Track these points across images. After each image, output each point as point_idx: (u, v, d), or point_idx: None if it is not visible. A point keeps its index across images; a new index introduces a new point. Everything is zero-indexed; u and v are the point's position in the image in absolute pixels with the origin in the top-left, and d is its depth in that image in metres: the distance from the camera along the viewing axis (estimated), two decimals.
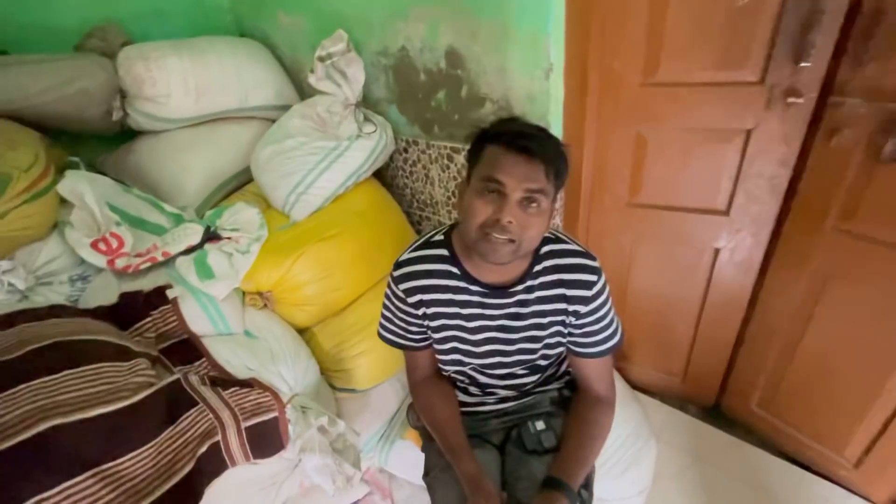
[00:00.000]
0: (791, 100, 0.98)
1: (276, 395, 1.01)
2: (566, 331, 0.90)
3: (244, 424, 0.96)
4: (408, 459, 1.29)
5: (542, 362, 0.96)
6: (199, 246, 1.21)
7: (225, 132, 1.59)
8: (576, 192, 1.32)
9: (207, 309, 1.12)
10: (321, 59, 1.40)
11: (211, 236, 1.22)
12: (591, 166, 1.29)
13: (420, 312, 0.91)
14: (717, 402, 1.55)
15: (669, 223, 1.29)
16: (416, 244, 0.93)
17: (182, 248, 1.19)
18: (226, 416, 0.95)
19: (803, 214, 1.09)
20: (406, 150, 1.58)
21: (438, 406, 0.98)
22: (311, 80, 1.44)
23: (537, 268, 0.86)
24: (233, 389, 1.01)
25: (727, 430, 1.48)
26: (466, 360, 0.95)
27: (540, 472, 0.90)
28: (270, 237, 1.25)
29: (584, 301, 0.85)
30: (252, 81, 1.59)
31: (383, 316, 0.99)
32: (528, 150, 0.72)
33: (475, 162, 0.78)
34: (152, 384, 0.89)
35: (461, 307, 0.89)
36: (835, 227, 1.04)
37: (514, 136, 0.73)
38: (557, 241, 0.88)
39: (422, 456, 1.06)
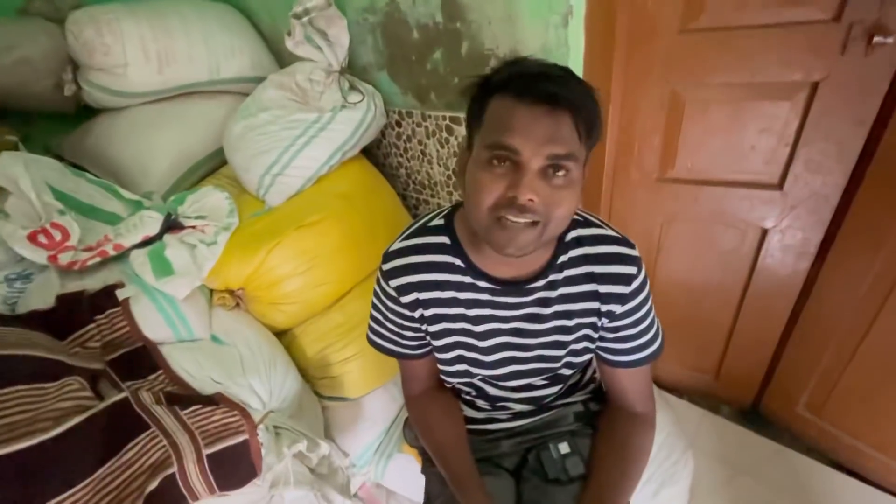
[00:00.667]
0: (877, 39, 0.77)
1: (245, 414, 0.85)
2: (597, 335, 0.73)
3: (206, 451, 0.80)
4: (407, 475, 1.14)
5: (566, 371, 0.79)
6: (158, 237, 1.03)
7: (195, 108, 1.41)
8: (598, 166, 1.12)
9: (165, 311, 0.95)
10: (297, 17, 1.20)
11: (171, 226, 1.05)
12: (617, 134, 1.09)
13: (416, 314, 0.73)
14: (755, 403, 1.37)
15: (708, 200, 1.09)
16: (410, 230, 0.74)
17: (137, 239, 1.01)
18: (184, 441, 0.79)
19: (881, 186, 0.89)
20: (399, 124, 1.39)
21: (440, 426, 0.81)
22: (289, 44, 1.25)
23: (562, 258, 0.68)
24: (194, 408, 0.84)
25: (768, 436, 1.31)
26: (474, 370, 0.78)
27: None
28: (242, 226, 1.07)
29: (622, 299, 0.68)
30: (224, 50, 1.39)
31: (372, 318, 0.81)
32: (548, 98, 0.53)
33: (477, 122, 0.59)
34: (86, 408, 0.73)
35: (467, 307, 0.71)
36: None
37: (528, 81, 0.54)
38: (587, 224, 0.70)
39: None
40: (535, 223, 0.56)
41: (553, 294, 0.69)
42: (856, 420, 1.13)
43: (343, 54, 1.28)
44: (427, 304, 0.72)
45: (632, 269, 0.67)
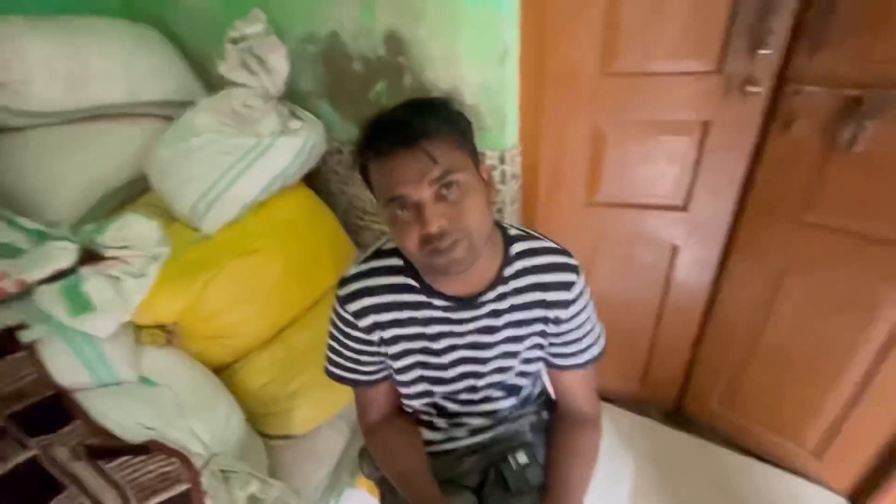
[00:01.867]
0: (749, 88, 0.96)
1: (185, 460, 0.77)
2: (546, 341, 0.78)
3: None
4: None
5: (521, 381, 0.83)
6: (72, 271, 0.92)
7: (112, 131, 1.30)
8: (533, 193, 1.22)
9: (83, 353, 0.85)
10: (234, 42, 1.18)
11: (90, 257, 0.94)
12: (549, 164, 1.20)
13: (375, 338, 0.74)
14: (678, 403, 1.52)
15: (628, 222, 1.23)
16: (366, 256, 0.76)
17: (46, 273, 0.90)
18: (110, 498, 0.70)
19: (761, 207, 1.08)
20: (340, 152, 1.39)
21: (401, 452, 0.81)
22: (223, 68, 1.22)
23: (508, 271, 0.73)
24: (122, 460, 0.75)
25: (690, 432, 1.45)
26: (435, 388, 0.79)
27: None
28: (175, 256, 0.99)
29: (565, 305, 0.73)
30: (145, 72, 1.32)
31: (330, 348, 0.80)
32: (401, 143, 0.57)
33: (370, 188, 0.64)
34: None
35: (424, 325, 0.73)
36: (793, 219, 1.03)
37: (379, 140, 0.59)
38: (529, 238, 0.76)
39: None
40: (457, 240, 0.60)
41: (503, 305, 0.73)
42: (758, 410, 1.30)
43: (281, 81, 1.27)
44: (385, 325, 0.73)
45: (572, 277, 0.73)
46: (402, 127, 0.58)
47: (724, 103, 1.00)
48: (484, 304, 0.72)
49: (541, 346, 0.78)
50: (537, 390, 0.93)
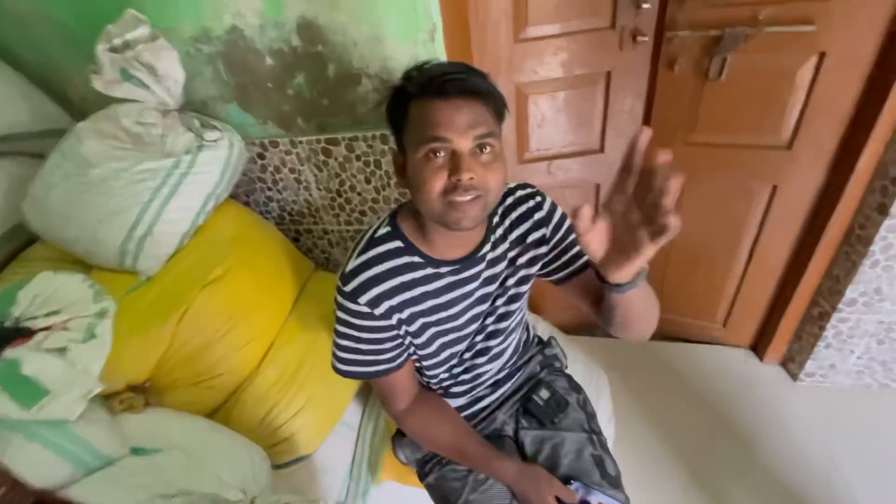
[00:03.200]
0: (638, 39, 1.13)
1: None
2: (544, 266, 0.83)
3: None
4: (396, 501, 1.10)
5: (518, 319, 0.89)
6: None
7: None
8: None
9: (55, 445, 0.70)
10: (114, 51, 1.01)
11: (13, 335, 0.77)
12: None
13: (394, 321, 0.75)
14: None
15: (557, 172, 1.38)
16: (360, 247, 0.75)
17: None
18: None
19: (659, 136, 1.27)
20: (262, 156, 1.29)
21: (446, 425, 0.85)
22: (98, 84, 1.04)
23: (494, 221, 0.79)
24: None
25: None
26: (456, 348, 0.83)
27: (573, 440, 0.88)
28: (122, 306, 0.86)
29: (544, 223, 0.79)
30: None
31: (339, 346, 0.78)
32: (461, 92, 0.61)
33: (402, 127, 0.66)
34: None
35: (437, 296, 0.76)
36: (683, 141, 1.27)
37: (441, 82, 0.62)
38: None
39: (410, 492, 0.90)
40: (478, 197, 0.64)
41: (498, 252, 0.79)
42: (681, 303, 1.59)
43: (179, 90, 1.13)
44: (400, 307, 0.74)
45: (537, 199, 0.79)
46: (465, 79, 0.61)
47: (620, 54, 1.17)
48: (483, 256, 0.77)
49: (527, 280, 0.83)
50: (532, 332, 1.03)
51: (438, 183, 0.62)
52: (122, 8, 1.04)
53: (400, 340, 0.78)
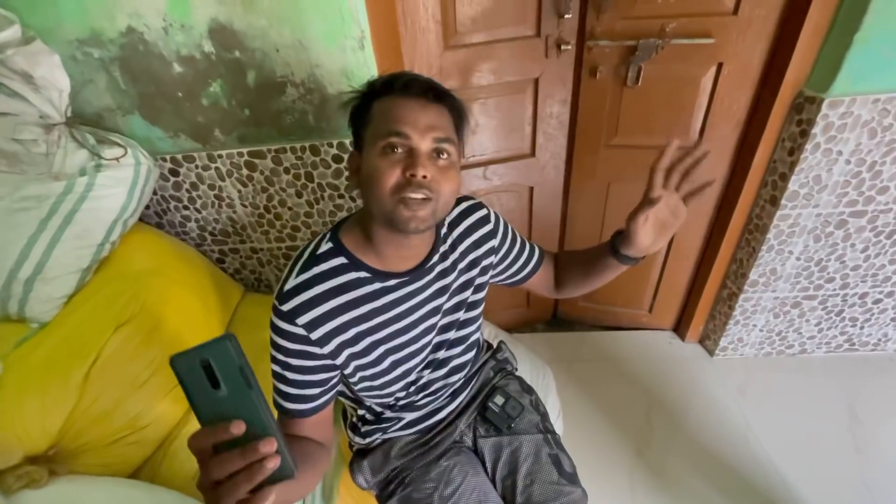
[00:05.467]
0: (563, 47, 1.17)
1: None
2: (495, 276, 0.88)
3: None
4: None
5: (471, 329, 0.88)
6: None
7: None
8: None
9: None
10: None
11: None
12: None
13: (332, 347, 0.69)
14: (554, 311, 1.85)
15: (493, 175, 1.39)
16: (299, 265, 0.69)
17: None
18: None
19: (584, 139, 1.36)
20: (175, 173, 1.16)
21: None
22: None
23: (443, 232, 0.79)
24: None
25: (571, 330, 1.80)
26: (410, 364, 0.80)
27: (530, 445, 0.89)
28: (11, 363, 0.72)
29: (492, 235, 0.82)
30: None
31: (281, 378, 0.70)
32: (426, 92, 0.63)
33: (364, 123, 0.65)
34: None
35: (385, 311, 0.73)
36: (606, 144, 1.35)
37: (408, 81, 0.63)
38: None
39: None
40: (428, 199, 0.63)
41: (447, 263, 0.78)
42: (611, 294, 1.69)
43: (64, 100, 0.98)
44: (344, 328, 0.70)
45: (483, 211, 0.82)
46: (432, 85, 0.64)
47: (546, 62, 1.21)
48: (432, 267, 0.76)
49: (483, 287, 0.85)
50: (482, 337, 1.04)
51: (393, 177, 0.61)
52: None
53: (333, 374, 0.73)
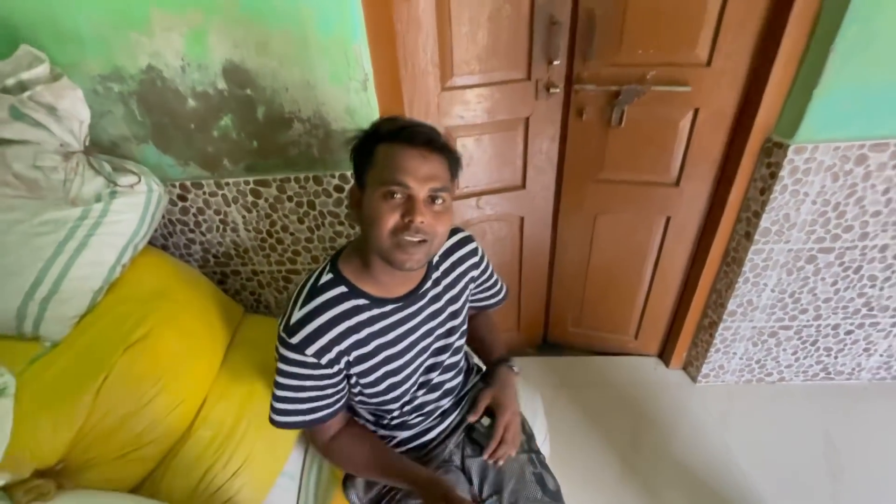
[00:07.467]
0: (552, 90, 1.26)
1: None
2: (471, 297, 0.96)
3: None
4: None
5: (459, 356, 0.96)
6: None
7: None
8: None
9: None
10: (6, 92, 0.91)
11: None
12: None
13: (341, 365, 0.77)
14: (545, 337, 1.90)
15: (485, 206, 1.47)
16: (302, 297, 0.77)
17: None
18: None
19: (572, 174, 1.44)
20: (184, 198, 1.22)
21: (370, 442, 0.87)
22: None
23: (435, 259, 0.86)
24: None
25: (560, 355, 1.85)
26: (405, 386, 0.86)
27: (515, 463, 0.93)
28: (26, 379, 0.76)
29: (477, 266, 0.93)
30: None
31: (280, 398, 0.78)
32: (427, 144, 0.70)
33: (367, 165, 0.72)
34: None
35: (382, 335, 0.80)
36: (592, 178, 1.43)
37: (412, 132, 0.70)
38: None
39: None
40: (424, 241, 0.70)
41: (439, 289, 0.86)
42: (599, 320, 1.76)
43: (83, 130, 1.04)
44: (348, 350, 0.77)
45: (473, 244, 0.92)
46: (433, 136, 0.70)
47: (536, 103, 1.30)
48: (426, 293, 0.84)
49: (465, 313, 0.94)
50: (472, 361, 1.10)
51: (392, 220, 0.68)
52: (14, 41, 0.95)
53: (342, 385, 0.80)
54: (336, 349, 0.75)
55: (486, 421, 0.99)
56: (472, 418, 0.92)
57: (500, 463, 0.89)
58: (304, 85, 1.05)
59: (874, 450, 1.44)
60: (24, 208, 0.91)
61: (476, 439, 0.97)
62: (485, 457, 0.90)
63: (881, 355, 1.55)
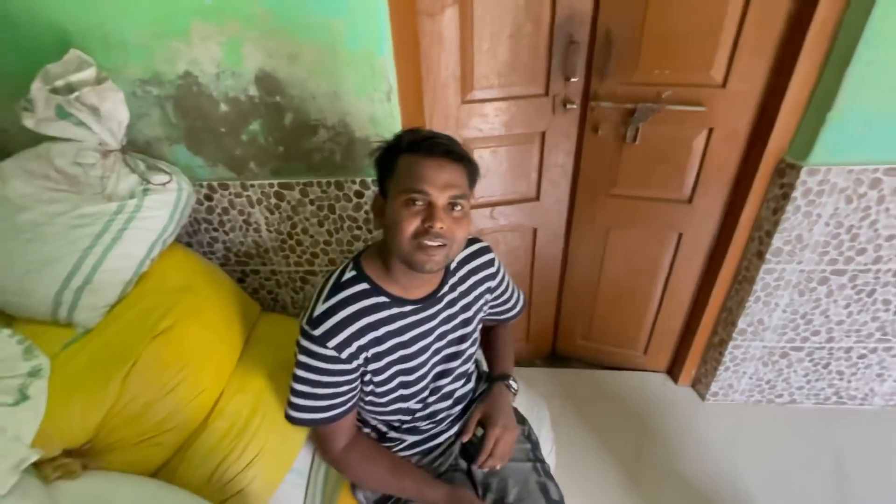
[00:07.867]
0: (568, 106, 1.30)
1: None
2: (487, 308, 0.98)
3: None
4: None
5: (470, 364, 0.99)
6: None
7: None
8: None
9: None
10: (55, 92, 0.97)
11: None
12: None
13: (360, 360, 0.80)
14: (553, 349, 1.91)
15: (500, 216, 1.50)
16: (326, 291, 0.80)
17: None
18: None
19: (586, 188, 1.47)
20: (210, 198, 1.27)
21: (380, 455, 0.89)
22: (29, 122, 1.00)
23: (452, 265, 0.89)
24: None
25: (568, 367, 1.86)
26: (415, 388, 0.89)
27: (520, 471, 0.95)
28: (58, 363, 0.81)
29: (493, 276, 0.95)
30: None
31: (296, 393, 0.80)
32: (447, 154, 0.73)
33: (390, 175, 0.76)
34: None
35: (399, 335, 0.83)
36: (606, 193, 1.45)
37: (432, 143, 0.73)
38: None
39: None
40: (443, 245, 0.74)
41: (455, 294, 0.89)
42: (608, 334, 1.76)
43: (122, 130, 1.10)
44: (367, 346, 0.80)
45: (490, 255, 0.95)
46: (452, 147, 0.73)
47: (553, 117, 1.33)
48: (443, 297, 0.87)
49: (483, 313, 0.97)
50: (481, 369, 1.12)
51: (413, 225, 0.72)
52: (65, 46, 1.02)
53: (357, 384, 0.83)
54: (356, 344, 0.78)
55: (479, 432, 1.00)
56: (464, 438, 0.94)
57: (486, 471, 0.92)
58: (330, 94, 1.10)
59: (885, 477, 1.42)
60: (64, 201, 0.97)
61: (468, 450, 0.99)
62: (475, 467, 0.93)
63: (895, 381, 1.53)
